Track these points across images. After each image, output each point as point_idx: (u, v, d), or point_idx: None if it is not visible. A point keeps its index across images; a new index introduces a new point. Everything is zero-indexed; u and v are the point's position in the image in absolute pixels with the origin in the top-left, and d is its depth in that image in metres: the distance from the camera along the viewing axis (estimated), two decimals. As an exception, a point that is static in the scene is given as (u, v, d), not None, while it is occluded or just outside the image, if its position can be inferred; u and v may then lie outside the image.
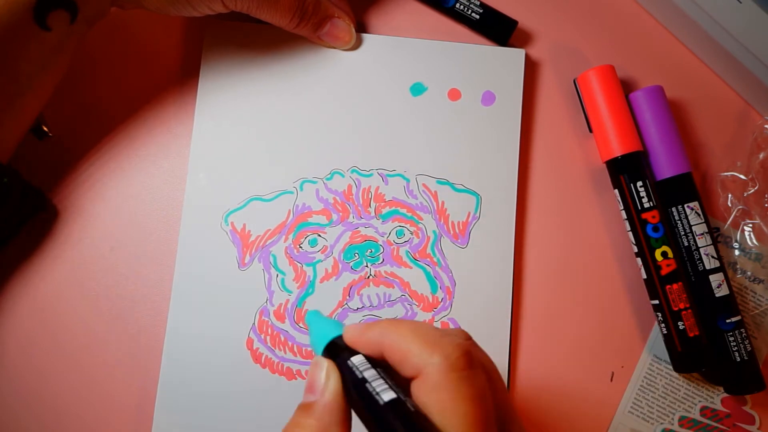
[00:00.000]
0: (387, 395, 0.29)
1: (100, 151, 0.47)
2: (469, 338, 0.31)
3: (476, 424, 0.27)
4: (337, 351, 0.32)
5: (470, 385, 0.28)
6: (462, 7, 0.48)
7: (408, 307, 0.44)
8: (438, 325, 0.44)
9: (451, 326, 0.44)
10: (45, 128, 0.46)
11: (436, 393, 0.28)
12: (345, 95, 0.46)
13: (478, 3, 0.48)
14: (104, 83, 0.47)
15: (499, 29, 0.48)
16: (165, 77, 0.48)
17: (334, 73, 0.47)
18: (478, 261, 0.45)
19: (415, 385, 0.29)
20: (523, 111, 0.47)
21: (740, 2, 0.44)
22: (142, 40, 0.48)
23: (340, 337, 0.33)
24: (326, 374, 0.31)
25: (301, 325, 0.44)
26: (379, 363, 0.31)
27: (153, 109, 0.47)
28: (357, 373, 0.30)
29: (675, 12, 0.47)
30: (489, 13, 0.48)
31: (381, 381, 0.30)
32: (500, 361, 0.44)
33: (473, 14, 0.48)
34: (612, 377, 0.46)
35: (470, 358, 0.29)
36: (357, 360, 0.31)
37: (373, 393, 0.29)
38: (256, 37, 0.47)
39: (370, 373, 0.30)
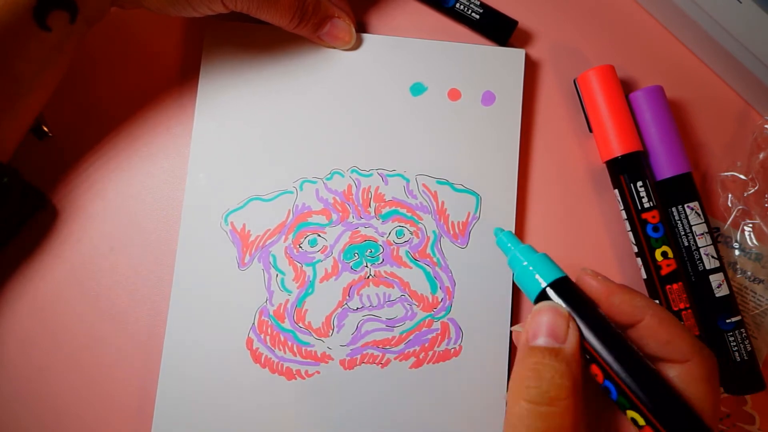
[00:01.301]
0: (638, 351, 0.29)
1: (100, 151, 0.47)
2: None
3: (715, 423, 0.29)
4: (565, 296, 0.32)
5: (717, 389, 0.30)
6: (462, 7, 0.48)
7: (408, 307, 0.44)
8: (438, 326, 0.44)
9: (452, 327, 0.44)
10: (45, 128, 0.46)
11: (701, 384, 0.30)
12: (345, 95, 0.46)
13: (478, 3, 0.48)
14: (104, 83, 0.47)
15: (499, 29, 0.48)
16: (165, 77, 0.48)
17: (334, 73, 0.47)
18: (478, 261, 0.45)
19: (670, 368, 0.30)
20: (523, 111, 0.47)
21: (740, 2, 0.44)
22: (142, 40, 0.48)
23: (563, 280, 0.33)
24: (568, 322, 0.31)
25: (301, 324, 0.44)
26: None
27: (153, 109, 0.47)
28: (614, 325, 0.31)
29: (675, 12, 0.47)
30: (489, 13, 0.48)
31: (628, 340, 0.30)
32: (500, 361, 0.44)
33: (473, 14, 0.48)
34: (612, 377, 0.46)
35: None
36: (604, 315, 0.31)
37: (635, 347, 0.30)
38: (256, 37, 0.46)
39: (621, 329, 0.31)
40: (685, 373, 0.30)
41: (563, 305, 0.31)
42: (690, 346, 0.30)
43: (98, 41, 0.47)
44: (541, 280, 0.33)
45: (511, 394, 0.30)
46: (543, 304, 0.32)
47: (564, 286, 0.32)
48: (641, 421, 0.28)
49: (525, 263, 0.34)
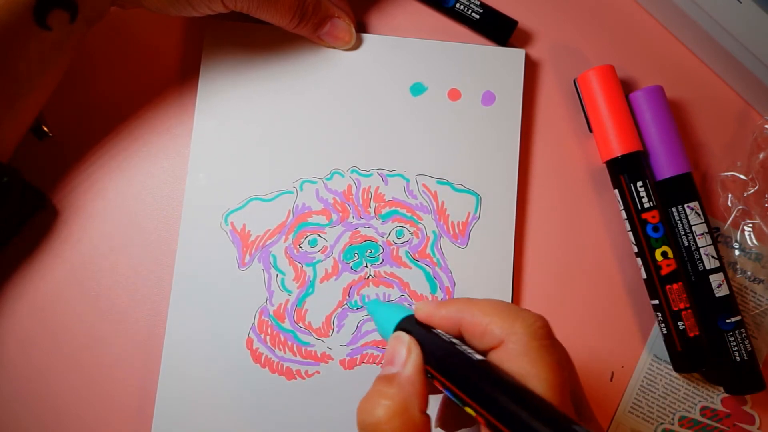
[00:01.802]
0: (477, 356, 0.30)
1: (100, 151, 0.47)
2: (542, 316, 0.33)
3: (556, 390, 0.29)
4: (410, 329, 0.33)
5: (551, 354, 0.30)
6: (462, 7, 0.48)
7: (408, 307, 0.44)
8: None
9: (451, 326, 0.44)
10: (45, 128, 0.46)
11: (518, 360, 0.29)
12: (345, 95, 0.46)
13: (478, 3, 0.48)
14: (104, 83, 0.47)
15: (499, 29, 0.48)
16: (165, 77, 0.48)
17: (334, 73, 0.47)
18: (478, 261, 0.45)
19: (495, 354, 0.30)
20: (523, 111, 0.47)
21: (740, 2, 0.44)
22: (142, 40, 0.48)
23: (408, 318, 0.34)
24: (408, 348, 0.32)
25: (301, 324, 0.44)
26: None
27: (153, 109, 0.47)
28: (444, 337, 0.32)
29: (675, 12, 0.47)
30: (489, 13, 0.48)
31: (466, 346, 0.31)
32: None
33: (473, 14, 0.48)
34: (612, 377, 0.46)
35: (550, 329, 0.31)
36: (438, 330, 0.32)
37: (466, 352, 0.30)
38: (256, 37, 0.46)
39: (455, 339, 0.32)
40: (503, 354, 0.30)
41: (402, 334, 0.33)
42: (499, 328, 0.30)
43: (98, 41, 0.47)
44: (392, 321, 0.35)
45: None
46: (391, 336, 0.33)
47: (409, 321, 0.34)
48: (473, 412, 0.29)
49: (381, 313, 0.36)
